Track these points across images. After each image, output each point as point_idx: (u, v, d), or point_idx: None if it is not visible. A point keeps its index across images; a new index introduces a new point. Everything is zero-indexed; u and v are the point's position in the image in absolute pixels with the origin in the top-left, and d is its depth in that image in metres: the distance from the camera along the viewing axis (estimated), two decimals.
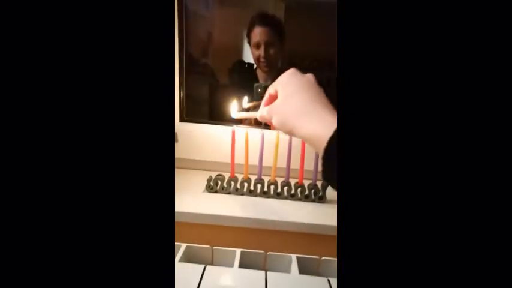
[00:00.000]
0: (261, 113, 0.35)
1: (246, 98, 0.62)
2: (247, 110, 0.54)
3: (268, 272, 0.42)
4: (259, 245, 0.49)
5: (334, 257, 0.46)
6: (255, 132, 0.60)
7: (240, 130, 0.56)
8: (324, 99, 0.31)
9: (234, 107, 0.51)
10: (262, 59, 0.74)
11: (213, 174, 0.60)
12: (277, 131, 0.55)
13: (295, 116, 0.30)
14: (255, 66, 0.76)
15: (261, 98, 0.77)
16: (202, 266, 0.41)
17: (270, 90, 0.35)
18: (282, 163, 0.57)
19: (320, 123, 0.28)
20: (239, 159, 0.57)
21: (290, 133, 0.32)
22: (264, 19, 0.73)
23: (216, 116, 0.75)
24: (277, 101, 0.33)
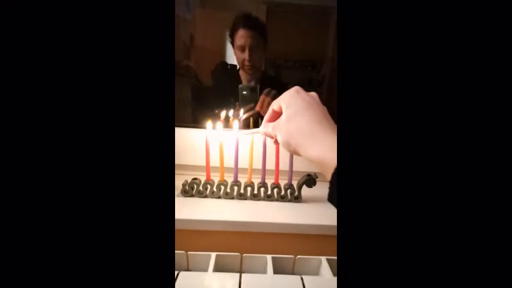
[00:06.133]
0: (266, 130, 0.35)
1: (241, 111, 0.62)
2: (249, 126, 0.56)
3: (242, 274, 0.42)
4: (236, 247, 0.49)
5: (309, 255, 0.46)
6: (231, 135, 0.60)
7: (215, 134, 0.56)
8: (328, 119, 0.31)
9: (236, 125, 0.53)
10: (247, 62, 0.73)
11: (189, 178, 0.60)
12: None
13: (300, 136, 0.30)
14: (238, 67, 0.76)
15: (246, 99, 0.78)
16: (175, 272, 0.41)
17: (274, 105, 0.34)
18: (258, 164, 0.57)
19: (327, 147, 0.28)
20: (215, 162, 0.57)
21: (294, 152, 0.31)
22: (248, 21, 0.72)
23: (199, 117, 0.74)
24: (282, 119, 0.32)
